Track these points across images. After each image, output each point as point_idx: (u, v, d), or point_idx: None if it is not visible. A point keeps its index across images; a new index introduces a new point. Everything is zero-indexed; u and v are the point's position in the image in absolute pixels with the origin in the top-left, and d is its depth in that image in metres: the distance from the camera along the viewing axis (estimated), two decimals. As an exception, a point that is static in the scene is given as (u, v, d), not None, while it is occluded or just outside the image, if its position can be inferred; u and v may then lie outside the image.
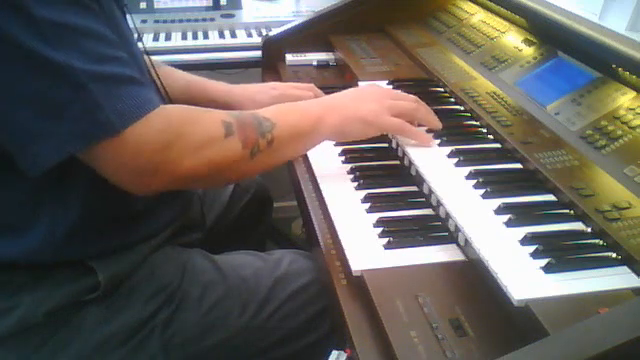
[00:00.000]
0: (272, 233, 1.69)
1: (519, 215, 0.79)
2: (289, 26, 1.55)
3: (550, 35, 1.13)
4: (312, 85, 1.19)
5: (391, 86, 1.23)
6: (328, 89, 1.23)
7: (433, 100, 1.11)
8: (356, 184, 0.97)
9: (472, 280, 0.75)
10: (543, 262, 0.70)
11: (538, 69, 1.10)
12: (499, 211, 0.80)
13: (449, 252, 0.82)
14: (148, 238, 0.91)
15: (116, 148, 0.71)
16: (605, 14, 0.99)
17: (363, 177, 0.98)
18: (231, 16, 1.80)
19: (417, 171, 0.94)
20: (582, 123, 0.93)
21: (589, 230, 0.77)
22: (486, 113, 1.04)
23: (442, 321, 0.68)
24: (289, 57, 1.50)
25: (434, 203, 0.90)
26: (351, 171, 1.01)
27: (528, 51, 1.16)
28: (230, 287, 0.93)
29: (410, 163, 0.98)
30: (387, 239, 0.82)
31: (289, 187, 1.11)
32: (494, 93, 1.11)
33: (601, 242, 0.74)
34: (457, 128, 1.05)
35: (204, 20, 1.76)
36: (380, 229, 0.85)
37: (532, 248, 0.72)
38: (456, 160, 0.93)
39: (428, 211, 0.91)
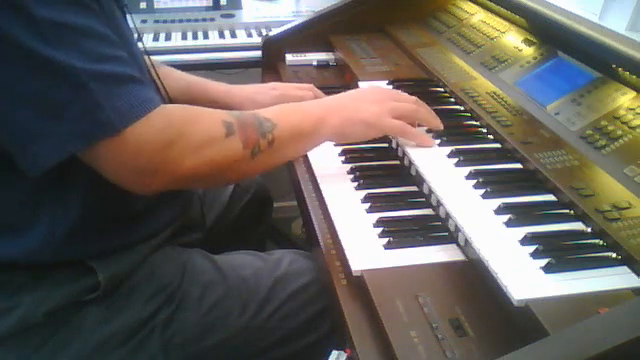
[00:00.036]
0: (272, 233, 1.69)
1: (519, 215, 0.79)
2: (289, 26, 1.55)
3: (550, 35, 1.13)
4: (312, 85, 1.19)
5: (391, 86, 1.23)
6: (328, 89, 1.24)
7: (433, 100, 1.11)
8: (356, 184, 0.97)
9: (472, 280, 0.75)
10: (543, 262, 0.70)
11: (538, 69, 1.10)
12: (499, 211, 0.80)
13: (449, 252, 0.82)
14: (148, 238, 0.91)
15: (116, 148, 0.71)
16: (605, 14, 0.99)
17: (363, 177, 0.98)
18: (231, 16, 1.80)
19: (417, 171, 0.94)
20: (582, 123, 0.93)
21: (589, 230, 0.77)
22: (486, 113, 1.04)
23: (442, 321, 0.68)
24: (289, 57, 1.50)
25: (434, 203, 0.90)
26: (351, 171, 1.01)
27: (528, 51, 1.16)
28: (230, 287, 0.93)
29: (410, 163, 0.98)
30: (387, 239, 0.82)
31: (289, 187, 1.11)
32: (494, 93, 1.11)
33: (601, 242, 0.74)
34: (457, 128, 1.05)
35: (204, 20, 1.76)
36: (380, 229, 0.85)
37: (532, 248, 0.72)
38: (456, 160, 0.93)
39: (428, 211, 0.91)
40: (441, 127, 1.00)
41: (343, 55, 1.42)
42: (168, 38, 1.67)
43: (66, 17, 0.68)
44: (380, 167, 1.03)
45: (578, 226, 0.78)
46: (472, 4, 1.43)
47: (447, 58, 1.30)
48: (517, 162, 0.93)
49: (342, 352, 0.71)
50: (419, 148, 0.98)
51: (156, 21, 1.74)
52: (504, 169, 0.92)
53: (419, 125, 1.00)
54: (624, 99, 0.92)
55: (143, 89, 0.74)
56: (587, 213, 0.77)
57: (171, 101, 1.01)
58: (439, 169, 0.92)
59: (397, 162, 1.04)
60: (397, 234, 0.84)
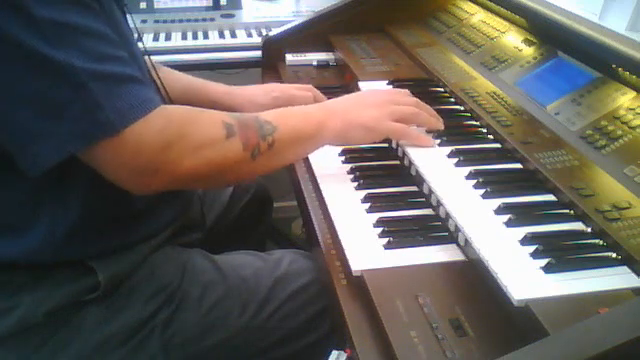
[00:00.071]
0: (272, 233, 1.69)
1: (519, 215, 0.79)
2: (289, 26, 1.55)
3: (550, 35, 1.13)
4: (311, 86, 1.19)
5: (391, 86, 1.23)
6: (328, 89, 1.24)
7: (433, 100, 1.11)
8: (356, 184, 0.97)
9: (472, 280, 0.75)
10: (543, 262, 0.70)
11: (538, 69, 1.10)
12: (499, 211, 0.80)
13: (449, 252, 0.82)
14: (148, 238, 0.91)
15: (116, 148, 0.71)
16: (605, 14, 0.99)
17: (363, 177, 0.98)
18: (231, 16, 1.80)
19: (417, 171, 0.94)
20: (582, 123, 0.93)
21: (589, 230, 0.77)
22: (486, 113, 1.04)
23: (442, 321, 0.68)
24: (289, 57, 1.50)
25: (434, 203, 0.90)
26: (351, 171, 1.01)
27: (528, 51, 1.16)
28: (230, 287, 0.93)
29: (410, 163, 0.98)
30: (387, 239, 0.82)
31: (289, 187, 1.11)
32: (494, 93, 1.11)
33: (601, 242, 0.74)
34: (457, 128, 1.05)
35: (204, 20, 1.76)
36: (380, 229, 0.85)
37: (532, 248, 0.72)
38: (456, 160, 0.93)
39: (428, 211, 0.91)
40: (442, 128, 1.00)
41: (343, 55, 1.42)
42: (168, 38, 1.67)
43: (66, 17, 0.68)
44: (380, 167, 1.03)
45: (578, 226, 0.78)
46: (472, 4, 1.43)
47: (447, 58, 1.30)
48: (517, 162, 0.93)
49: (342, 352, 0.71)
50: (419, 148, 0.98)
51: (156, 21, 1.74)
52: (504, 169, 0.92)
53: (419, 125, 1.00)
54: (624, 99, 0.92)
55: (143, 89, 0.74)
56: (587, 213, 0.77)
57: (171, 101, 1.01)
58: (439, 169, 0.92)
59: (397, 162, 1.04)
60: (397, 234, 0.84)
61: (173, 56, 1.57)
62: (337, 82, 1.39)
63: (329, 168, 1.03)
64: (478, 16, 1.39)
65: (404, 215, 0.89)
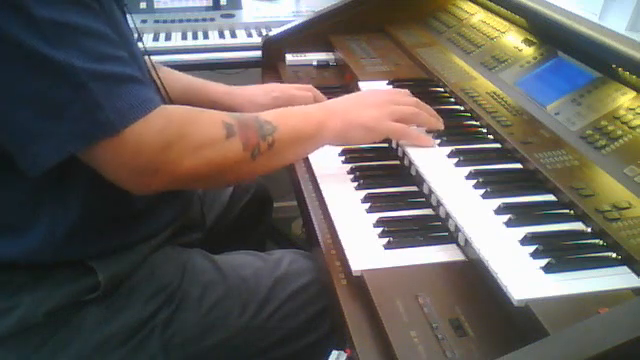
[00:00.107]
0: (272, 233, 1.69)
1: (519, 215, 0.79)
2: (289, 26, 1.55)
3: (550, 35, 1.13)
4: (311, 86, 1.19)
5: (391, 86, 1.23)
6: (328, 89, 1.24)
7: (433, 100, 1.11)
8: (356, 184, 0.97)
9: (472, 280, 0.75)
10: (543, 262, 0.70)
11: (538, 69, 1.10)
12: (499, 211, 0.80)
13: (449, 252, 0.82)
14: (148, 238, 0.91)
15: (116, 148, 0.71)
16: (605, 14, 0.99)
17: (363, 177, 0.98)
18: (231, 16, 1.80)
19: (417, 171, 0.94)
20: (582, 123, 0.93)
21: (589, 230, 0.77)
22: (486, 113, 1.04)
23: (442, 321, 0.68)
24: (289, 57, 1.50)
25: (434, 203, 0.90)
26: (351, 171, 1.01)
27: (528, 51, 1.16)
28: (230, 287, 0.93)
29: (410, 163, 0.98)
30: (387, 239, 0.82)
31: (289, 187, 1.11)
32: (494, 93, 1.11)
33: (601, 242, 0.74)
34: (457, 128, 1.05)
35: (204, 20, 1.76)
36: (380, 229, 0.85)
37: (532, 248, 0.72)
38: (456, 160, 0.93)
39: (428, 211, 0.91)
40: (442, 128, 1.00)
41: (343, 55, 1.42)
42: (168, 38, 1.67)
43: (66, 17, 0.68)
44: (380, 167, 1.03)
45: (578, 226, 0.78)
46: (472, 4, 1.43)
47: (447, 58, 1.30)
48: (517, 162, 0.93)
49: (342, 352, 0.71)
50: (419, 148, 0.98)
51: (156, 21, 1.74)
52: (504, 169, 0.92)
53: (419, 125, 1.00)
54: (624, 99, 0.92)
55: (143, 89, 0.74)
56: (587, 213, 0.77)
57: (172, 101, 1.01)
58: (439, 169, 0.92)
59: (397, 162, 1.04)
60: (397, 234, 0.84)
61: (173, 56, 1.57)
62: (337, 82, 1.39)
63: (329, 168, 1.03)
64: (478, 16, 1.39)
65: (404, 215, 0.89)
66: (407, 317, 0.68)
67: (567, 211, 0.81)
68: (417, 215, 0.90)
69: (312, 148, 0.93)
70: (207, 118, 0.81)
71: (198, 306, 0.91)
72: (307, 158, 1.05)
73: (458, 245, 0.82)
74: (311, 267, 0.98)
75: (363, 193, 0.94)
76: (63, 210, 0.81)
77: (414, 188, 0.96)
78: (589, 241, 0.75)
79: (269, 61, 1.54)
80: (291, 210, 1.69)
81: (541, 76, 1.09)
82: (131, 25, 0.92)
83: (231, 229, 1.26)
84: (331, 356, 0.71)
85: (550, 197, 0.84)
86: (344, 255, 0.80)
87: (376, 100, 0.96)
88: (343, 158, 1.05)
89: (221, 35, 1.70)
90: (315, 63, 1.49)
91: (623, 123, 0.88)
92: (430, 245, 0.83)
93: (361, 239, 0.83)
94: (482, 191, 0.85)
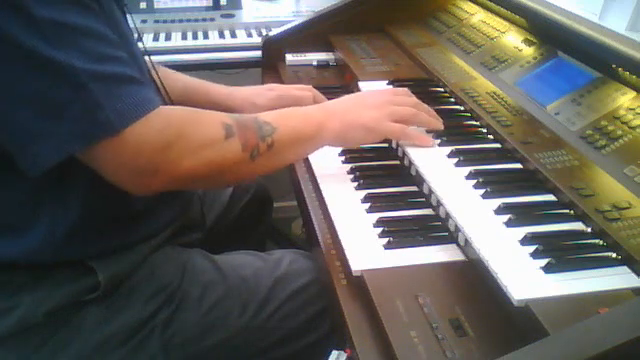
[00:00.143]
0: (272, 233, 1.69)
1: (519, 215, 0.79)
2: (289, 26, 1.55)
3: (550, 35, 1.13)
4: (310, 87, 1.19)
5: (391, 86, 1.23)
6: (328, 89, 1.24)
7: (433, 100, 1.11)
8: (356, 184, 0.97)
9: (472, 280, 0.75)
10: (543, 262, 0.70)
11: (538, 69, 1.10)
12: (499, 211, 0.80)
13: (449, 252, 0.82)
14: (148, 238, 0.91)
15: (116, 148, 0.71)
16: (605, 14, 0.99)
17: (363, 177, 0.98)
18: (231, 16, 1.80)
19: (417, 171, 0.94)
20: (582, 123, 0.93)
21: (589, 230, 0.77)
22: (486, 113, 1.04)
23: (442, 321, 0.68)
24: (289, 57, 1.50)
25: (434, 203, 0.90)
26: (351, 171, 1.01)
27: (528, 51, 1.16)
28: (230, 287, 0.93)
29: (410, 163, 0.98)
30: (387, 239, 0.82)
31: (289, 187, 1.11)
32: (494, 93, 1.11)
33: (601, 242, 0.74)
34: (457, 128, 1.05)
35: (204, 20, 1.76)
36: (380, 229, 0.85)
37: (532, 248, 0.72)
38: (456, 160, 0.93)
39: (428, 211, 0.91)
40: (442, 128, 1.00)
41: (343, 55, 1.42)
42: (168, 38, 1.67)
43: (66, 17, 0.68)
44: (380, 167, 1.03)
45: (578, 226, 0.78)
46: (472, 4, 1.43)
47: (447, 58, 1.30)
48: (517, 162, 0.93)
49: (342, 352, 0.71)
50: (419, 148, 0.98)
51: (156, 21, 1.74)
52: (504, 169, 0.92)
53: (418, 125, 1.00)
54: (624, 99, 0.92)
55: (143, 90, 0.74)
56: (587, 213, 0.77)
57: (172, 102, 1.01)
58: (439, 169, 0.92)
59: (397, 162, 1.04)
60: (397, 234, 0.84)
61: (173, 56, 1.57)
62: (337, 82, 1.39)
63: (329, 168, 1.03)
64: (478, 16, 1.39)
65: (404, 215, 0.89)
66: (407, 317, 0.68)
67: (567, 211, 0.81)
68: (417, 215, 0.90)
69: (312, 149, 0.93)
70: (206, 119, 0.81)
71: (198, 306, 0.91)
72: (307, 158, 1.05)
73: (458, 245, 0.82)
74: (311, 267, 0.98)
75: (363, 193, 0.94)
76: (63, 210, 0.81)
77: (414, 188, 0.96)
78: (589, 241, 0.75)
79: (269, 61, 1.54)
80: (291, 210, 1.69)
81: (541, 76, 1.09)
82: (131, 25, 0.92)
83: (231, 229, 1.26)
84: (331, 356, 0.71)
85: (550, 197, 0.84)
86: (344, 255, 0.80)
87: (375, 101, 0.96)
88: (343, 158, 1.05)
89: (221, 35, 1.70)
90: (315, 63, 1.49)
91: (623, 123, 0.88)
92: (430, 245, 0.83)
93: (361, 239, 0.83)
94: (482, 191, 0.85)
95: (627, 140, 0.86)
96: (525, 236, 0.74)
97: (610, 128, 0.89)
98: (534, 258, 0.71)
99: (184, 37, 1.68)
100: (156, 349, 0.87)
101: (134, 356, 0.86)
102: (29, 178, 0.72)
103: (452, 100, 1.16)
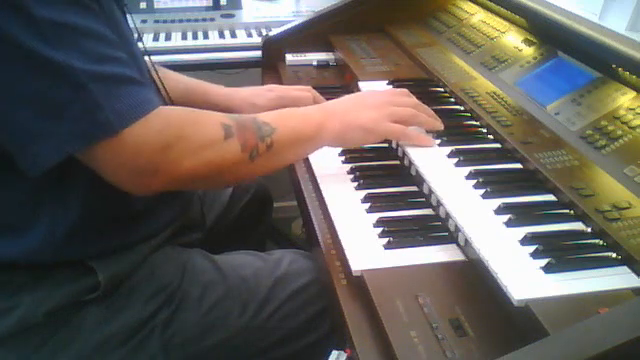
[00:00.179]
0: (272, 233, 1.69)
1: (519, 215, 0.79)
2: (289, 26, 1.55)
3: (550, 35, 1.13)
4: (310, 87, 1.19)
5: (391, 86, 1.23)
6: (328, 89, 1.24)
7: (433, 100, 1.11)
8: (356, 184, 0.97)
9: (472, 280, 0.75)
10: (543, 262, 0.70)
11: (538, 69, 1.10)
12: (499, 211, 0.80)
13: (449, 252, 0.82)
14: (148, 238, 0.91)
15: (115, 148, 0.71)
16: (605, 14, 0.99)
17: (363, 177, 0.98)
18: (231, 16, 1.80)
19: (417, 171, 0.94)
20: (582, 123, 0.93)
21: (589, 230, 0.77)
22: (486, 113, 1.04)
23: (442, 321, 0.68)
24: (289, 57, 1.50)
25: (434, 203, 0.90)
26: (351, 171, 1.01)
27: (528, 51, 1.16)
28: (230, 287, 0.93)
29: (410, 163, 0.98)
30: (387, 239, 0.82)
31: (289, 187, 1.11)
32: (494, 93, 1.11)
33: (601, 242, 0.74)
34: (457, 128, 1.05)
35: (204, 20, 1.76)
36: (380, 229, 0.85)
37: (532, 248, 0.72)
38: (456, 160, 0.93)
39: (428, 211, 0.91)
40: (442, 128, 1.00)
41: (343, 55, 1.42)
42: (168, 38, 1.67)
43: (66, 17, 0.68)
44: (380, 167, 1.03)
45: (578, 226, 0.78)
46: (472, 4, 1.43)
47: (447, 58, 1.30)
48: (517, 162, 0.93)
49: (342, 352, 0.71)
50: (419, 148, 0.98)
51: (156, 21, 1.74)
52: (504, 169, 0.92)
53: (418, 126, 1.00)
54: (624, 99, 0.92)
55: (142, 90, 0.74)
56: (587, 213, 0.77)
57: (172, 102, 1.01)
58: (439, 169, 0.92)
59: (397, 162, 1.04)
60: (397, 234, 0.84)
61: (173, 56, 1.57)
62: (337, 82, 1.39)
63: (329, 168, 1.03)
64: (478, 16, 1.39)
65: (404, 215, 0.89)
66: (407, 317, 0.68)
67: (567, 211, 0.81)
68: (417, 215, 0.90)
69: (311, 149, 0.93)
70: (206, 119, 0.81)
71: (198, 306, 0.91)
72: (307, 158, 1.05)
73: (458, 245, 0.82)
74: (311, 267, 0.98)
75: (363, 193, 0.94)
76: (63, 210, 0.81)
77: (414, 188, 0.96)
78: (589, 241, 0.75)
79: (269, 61, 1.54)
80: (291, 210, 1.69)
81: (541, 76, 1.09)
82: (131, 25, 0.92)
83: (231, 229, 1.26)
84: (331, 356, 0.71)
85: (550, 197, 0.84)
86: (344, 255, 0.80)
87: (375, 101, 0.96)
88: (343, 158, 1.05)
89: (221, 35, 1.70)
90: (315, 63, 1.49)
91: (623, 123, 0.88)
92: (430, 245, 0.83)
93: (361, 239, 0.83)
94: (482, 191, 0.85)
95: (627, 140, 0.86)
96: (525, 236, 0.74)
97: (610, 128, 0.89)
98: (534, 258, 0.71)
99: (184, 37, 1.68)
100: (156, 349, 0.87)
101: (134, 356, 0.86)
102: (29, 178, 0.72)
103: (452, 100, 1.16)
